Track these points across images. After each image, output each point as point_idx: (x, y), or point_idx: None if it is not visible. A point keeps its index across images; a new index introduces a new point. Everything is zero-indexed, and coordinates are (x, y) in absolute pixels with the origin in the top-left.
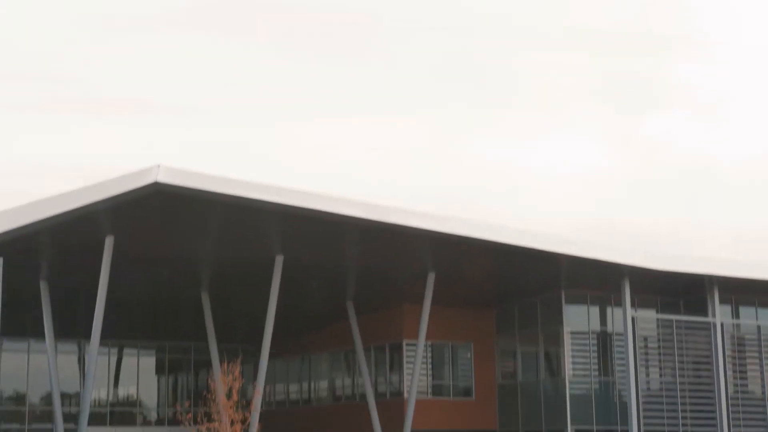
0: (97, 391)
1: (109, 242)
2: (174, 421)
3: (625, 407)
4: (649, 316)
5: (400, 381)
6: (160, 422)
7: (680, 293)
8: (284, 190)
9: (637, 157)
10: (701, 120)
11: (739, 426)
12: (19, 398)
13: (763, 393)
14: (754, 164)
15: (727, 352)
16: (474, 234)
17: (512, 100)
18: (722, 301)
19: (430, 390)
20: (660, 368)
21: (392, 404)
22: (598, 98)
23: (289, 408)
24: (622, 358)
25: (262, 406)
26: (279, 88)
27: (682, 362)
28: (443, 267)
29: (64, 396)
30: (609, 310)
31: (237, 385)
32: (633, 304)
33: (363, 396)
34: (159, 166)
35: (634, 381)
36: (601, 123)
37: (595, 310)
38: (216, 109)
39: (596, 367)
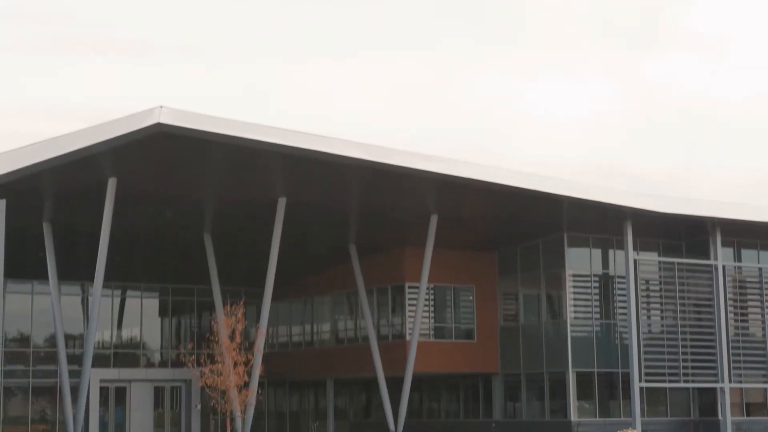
0: (101, 333)
1: (111, 184)
2: (177, 363)
3: (626, 350)
4: (650, 259)
5: (402, 323)
6: (163, 364)
7: (682, 236)
8: (287, 132)
9: (639, 100)
10: (703, 61)
11: (740, 368)
12: (24, 340)
13: (764, 335)
14: (757, 106)
15: (729, 295)
16: (476, 176)
17: (512, 41)
18: (724, 244)
19: (432, 332)
20: (661, 311)
21: (394, 346)
22: (599, 40)
23: (292, 350)
24: (624, 301)
25: (264, 348)
26: (276, 28)
27: (683, 305)
28: (446, 209)
29: (68, 338)
30: (611, 252)
31: (240, 328)
32: (635, 247)
33: (365, 338)
34: (161, 107)
35: (635, 323)
36: (602, 65)
37: (597, 253)
38: (214, 50)
39: (597, 309)
